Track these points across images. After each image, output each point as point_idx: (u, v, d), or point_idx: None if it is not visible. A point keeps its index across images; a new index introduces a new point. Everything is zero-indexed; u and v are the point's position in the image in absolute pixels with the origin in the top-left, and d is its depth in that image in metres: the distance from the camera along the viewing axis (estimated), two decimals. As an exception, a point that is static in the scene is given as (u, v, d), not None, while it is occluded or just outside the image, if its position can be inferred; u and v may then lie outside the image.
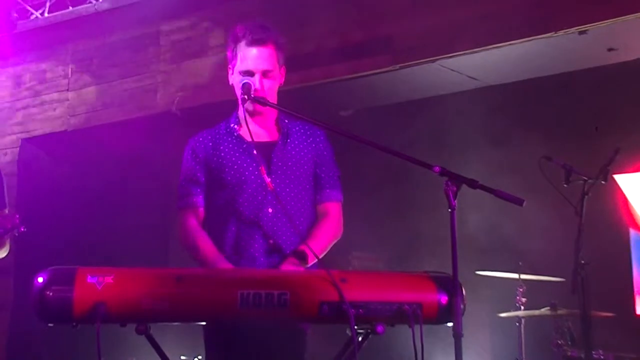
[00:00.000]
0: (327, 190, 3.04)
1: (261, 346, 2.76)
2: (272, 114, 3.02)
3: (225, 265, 2.78)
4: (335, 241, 3.01)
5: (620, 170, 5.11)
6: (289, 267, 2.80)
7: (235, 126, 3.01)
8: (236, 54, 2.97)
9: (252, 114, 2.97)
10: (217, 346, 2.84)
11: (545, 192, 4.08)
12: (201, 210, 2.98)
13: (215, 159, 2.97)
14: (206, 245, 2.87)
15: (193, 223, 2.94)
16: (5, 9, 6.13)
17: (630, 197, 5.36)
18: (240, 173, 2.92)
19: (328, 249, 2.97)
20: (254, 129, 2.93)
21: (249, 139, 2.89)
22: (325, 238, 2.95)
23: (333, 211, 3.03)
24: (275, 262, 2.86)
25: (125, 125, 6.09)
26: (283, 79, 3.06)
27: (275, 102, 3.00)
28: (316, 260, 2.74)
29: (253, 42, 2.93)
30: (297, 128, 3.05)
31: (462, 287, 2.40)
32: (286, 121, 3.04)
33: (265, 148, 2.96)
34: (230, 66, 3.03)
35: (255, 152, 2.91)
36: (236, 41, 2.98)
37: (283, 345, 2.80)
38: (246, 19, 3.07)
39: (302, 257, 2.82)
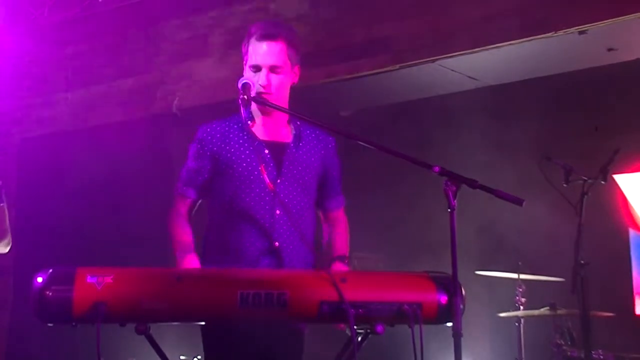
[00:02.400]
0: (339, 197, 3.13)
1: (259, 346, 2.75)
2: (284, 113, 2.98)
3: (191, 259, 2.82)
4: None
5: (620, 170, 5.11)
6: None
7: (249, 122, 2.96)
8: (248, 49, 2.96)
9: (262, 112, 2.95)
10: (216, 347, 2.84)
11: (545, 192, 4.08)
12: (189, 201, 2.98)
13: (224, 152, 2.92)
14: (183, 235, 2.91)
15: (180, 212, 2.97)
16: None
17: (630, 197, 5.36)
18: (249, 172, 2.88)
19: None
20: (267, 128, 2.93)
21: (262, 137, 2.89)
22: (348, 241, 3.11)
23: (342, 216, 3.14)
24: (275, 264, 2.85)
25: (125, 125, 6.09)
26: (297, 78, 3.03)
27: (287, 101, 2.98)
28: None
29: (262, 37, 2.92)
30: (308, 131, 3.03)
31: (461, 287, 2.41)
32: (298, 123, 3.01)
33: (278, 149, 2.94)
34: (244, 63, 3.00)
35: (266, 151, 2.90)
36: (249, 37, 2.96)
37: (281, 345, 2.80)
38: (246, 19, 3.06)
39: (344, 260, 2.99)
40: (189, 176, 2.98)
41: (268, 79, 2.89)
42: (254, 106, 2.95)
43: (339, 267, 2.95)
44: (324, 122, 2.82)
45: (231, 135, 2.95)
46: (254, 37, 2.94)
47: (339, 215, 3.12)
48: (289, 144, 2.97)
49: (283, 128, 3.01)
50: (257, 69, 2.91)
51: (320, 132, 3.05)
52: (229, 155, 2.92)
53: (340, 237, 3.08)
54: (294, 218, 2.86)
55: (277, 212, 2.86)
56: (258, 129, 2.93)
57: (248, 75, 2.93)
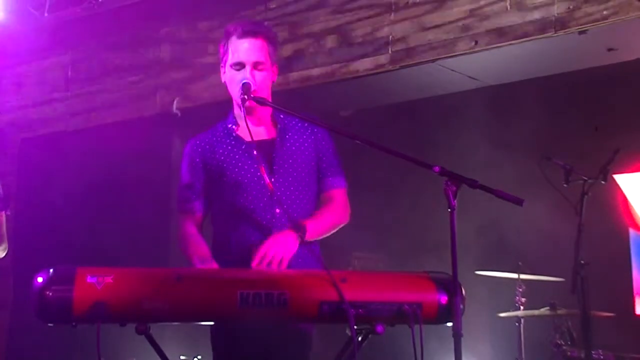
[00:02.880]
0: (330, 179, 3.02)
1: (267, 348, 2.75)
2: (267, 110, 2.99)
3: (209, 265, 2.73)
4: (340, 225, 2.99)
5: (620, 170, 5.11)
6: (282, 236, 2.74)
7: (233, 126, 2.98)
8: (227, 48, 2.96)
9: (247, 112, 2.92)
10: (224, 347, 2.83)
11: (545, 192, 4.08)
12: (198, 215, 2.97)
13: (214, 162, 2.94)
14: (197, 246, 2.84)
15: (188, 228, 2.94)
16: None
17: (630, 197, 5.35)
18: (243, 175, 2.89)
19: (330, 232, 2.95)
20: (252, 128, 2.88)
21: (248, 139, 2.86)
22: (327, 219, 2.93)
23: (337, 197, 3.01)
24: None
25: (125, 125, 6.09)
26: (276, 77, 3.03)
27: (270, 99, 2.97)
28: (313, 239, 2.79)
29: (244, 34, 2.92)
30: (294, 122, 3.02)
31: (461, 287, 2.41)
32: (282, 116, 3.01)
33: (266, 147, 2.93)
34: (222, 63, 3.00)
35: (255, 152, 2.88)
36: (228, 36, 2.96)
37: (288, 347, 2.79)
38: (247, 18, 3.06)
39: (299, 229, 2.77)
40: (186, 192, 2.99)
41: (253, 75, 2.89)
42: (236, 110, 2.96)
43: (288, 232, 2.76)
44: (321, 122, 2.83)
45: (218, 143, 2.97)
46: (234, 36, 2.94)
47: (332, 195, 3.00)
48: (275, 139, 2.96)
49: (267, 125, 3.01)
50: (240, 66, 2.91)
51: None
52: (219, 163, 2.93)
53: (319, 212, 2.93)
54: (292, 216, 2.84)
55: (278, 210, 2.86)
56: (243, 131, 2.91)
57: (230, 74, 2.94)
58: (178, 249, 2.95)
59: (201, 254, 2.80)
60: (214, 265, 2.72)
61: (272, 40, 2.98)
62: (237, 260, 2.83)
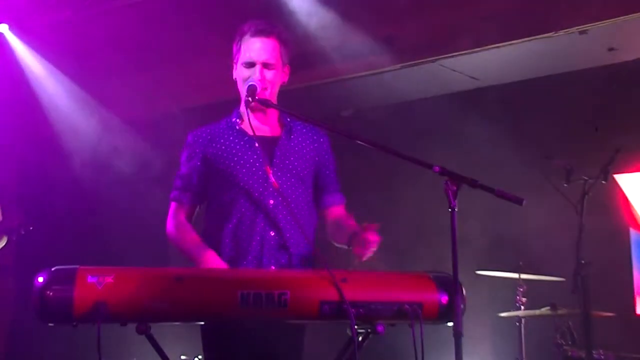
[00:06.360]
0: (338, 194, 3.07)
1: (259, 345, 2.75)
2: (274, 110, 3.00)
3: (210, 255, 2.78)
4: None
5: (621, 170, 5.11)
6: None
7: (237, 120, 2.99)
8: (240, 46, 2.97)
9: (253, 110, 2.93)
10: (216, 347, 2.84)
11: (546, 191, 4.08)
12: (189, 207, 2.98)
13: (213, 151, 2.94)
14: (190, 236, 2.90)
15: (180, 217, 2.96)
16: None
17: (630, 197, 5.35)
18: (241, 165, 2.90)
19: None
20: (256, 124, 2.91)
21: (251, 133, 2.88)
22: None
23: (341, 213, 3.05)
24: (277, 256, 2.85)
25: (125, 125, 6.10)
26: (287, 78, 3.04)
27: (276, 99, 2.99)
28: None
29: (257, 33, 2.94)
30: (299, 126, 3.04)
31: (462, 286, 2.41)
32: (288, 119, 3.03)
33: (268, 142, 2.95)
34: (234, 60, 3.01)
35: (257, 144, 2.89)
36: (241, 35, 2.98)
37: (282, 342, 2.79)
38: (247, 18, 3.06)
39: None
40: (182, 182, 3.00)
41: (262, 75, 2.91)
42: (242, 107, 2.97)
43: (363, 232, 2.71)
44: (323, 122, 2.83)
45: (220, 135, 2.98)
46: (247, 34, 2.96)
47: (336, 213, 3.04)
48: (280, 136, 2.98)
49: (273, 124, 3.03)
50: (250, 65, 2.93)
51: (313, 127, 3.05)
52: (219, 153, 2.94)
53: (352, 221, 2.91)
54: (291, 207, 2.86)
55: (272, 201, 2.87)
56: (247, 126, 2.92)
57: (240, 72, 2.96)
58: (167, 237, 2.96)
59: (195, 243, 2.86)
60: (213, 253, 2.78)
61: (284, 41, 2.99)
62: (229, 254, 2.84)
